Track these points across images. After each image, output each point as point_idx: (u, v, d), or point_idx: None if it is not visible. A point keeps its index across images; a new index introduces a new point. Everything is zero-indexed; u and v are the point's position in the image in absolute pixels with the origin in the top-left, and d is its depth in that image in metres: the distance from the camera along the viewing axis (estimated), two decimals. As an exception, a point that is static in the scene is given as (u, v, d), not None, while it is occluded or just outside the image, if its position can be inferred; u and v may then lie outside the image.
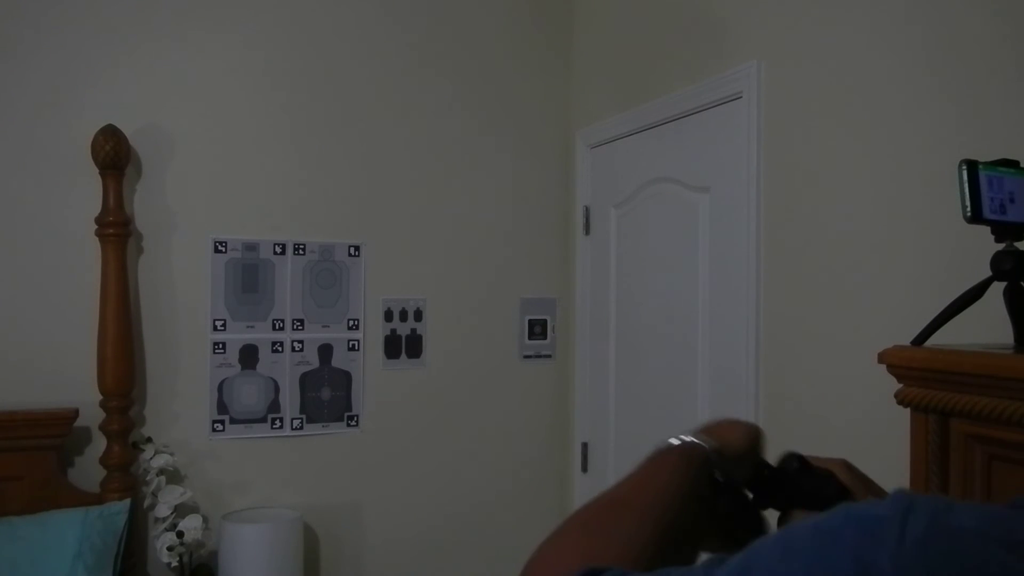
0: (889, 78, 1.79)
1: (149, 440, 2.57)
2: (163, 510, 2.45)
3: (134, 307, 2.60)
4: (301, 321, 2.84)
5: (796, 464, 0.75)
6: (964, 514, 0.46)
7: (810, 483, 0.73)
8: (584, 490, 3.13)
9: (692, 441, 0.72)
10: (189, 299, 2.70)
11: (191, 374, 2.70)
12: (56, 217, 2.54)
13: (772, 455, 0.78)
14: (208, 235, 2.73)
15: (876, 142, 1.82)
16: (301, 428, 2.84)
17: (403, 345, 3.01)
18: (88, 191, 2.53)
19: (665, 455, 0.71)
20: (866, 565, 0.43)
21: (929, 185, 1.66)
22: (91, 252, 2.53)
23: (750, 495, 0.77)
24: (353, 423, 2.92)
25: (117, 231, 2.51)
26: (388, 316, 2.98)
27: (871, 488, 0.74)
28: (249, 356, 2.77)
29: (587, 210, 3.14)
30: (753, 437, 0.75)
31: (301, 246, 2.85)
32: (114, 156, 2.47)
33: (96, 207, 2.51)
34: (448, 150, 3.08)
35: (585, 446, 3.13)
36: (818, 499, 0.71)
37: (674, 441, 0.73)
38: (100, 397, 2.49)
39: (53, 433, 2.41)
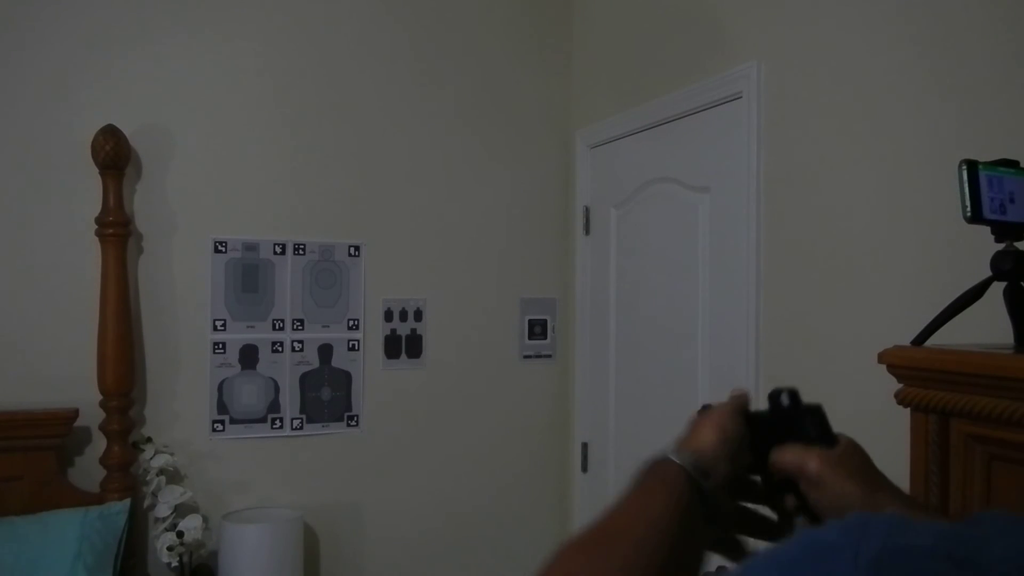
0: (889, 78, 1.79)
1: (149, 440, 2.57)
2: (163, 510, 2.45)
3: (134, 307, 2.60)
4: (301, 321, 2.84)
5: (787, 400, 0.77)
6: (917, 533, 0.48)
7: (794, 423, 0.75)
8: (584, 490, 3.13)
9: (667, 459, 0.71)
10: (189, 299, 2.70)
11: (191, 374, 2.70)
12: (56, 217, 2.54)
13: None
14: (208, 235, 2.73)
15: (876, 142, 1.82)
16: (301, 428, 2.84)
17: (403, 345, 3.01)
18: (88, 191, 2.53)
19: (644, 480, 0.70)
20: None
21: (929, 185, 1.67)
22: (91, 252, 2.53)
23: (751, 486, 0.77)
24: (353, 423, 2.92)
25: (117, 231, 2.51)
26: (388, 316, 2.98)
27: (868, 474, 0.74)
28: (249, 356, 2.77)
29: (587, 210, 3.14)
30: (723, 430, 0.74)
31: (301, 246, 2.85)
32: (114, 156, 2.47)
33: (96, 207, 2.51)
34: (448, 150, 3.08)
35: (585, 446, 3.13)
36: (802, 439, 0.74)
37: (650, 461, 0.72)
38: (100, 397, 2.49)
39: (53, 433, 2.41)
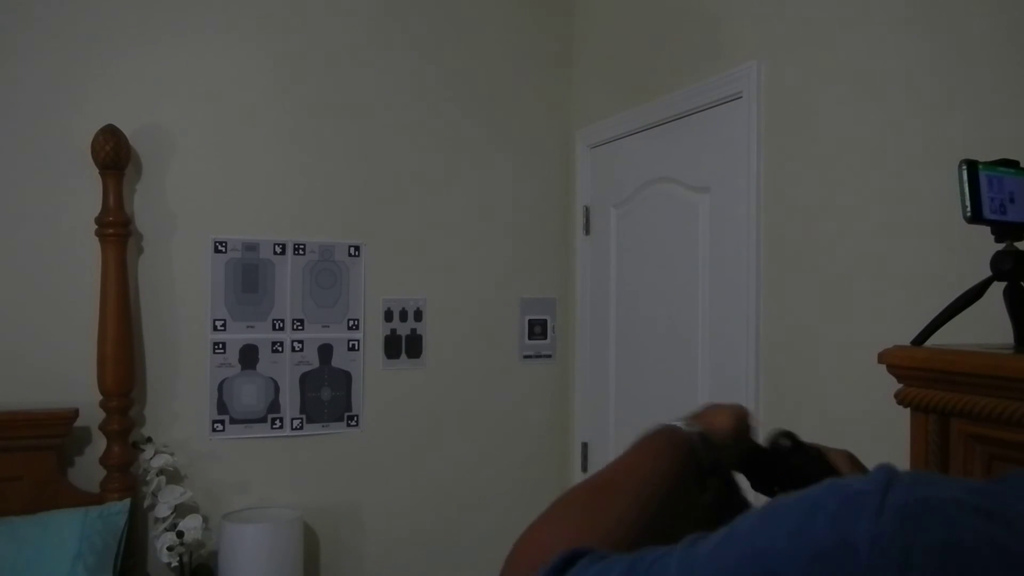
0: (889, 78, 1.79)
1: (149, 440, 2.57)
2: (163, 510, 2.45)
3: (134, 307, 2.60)
4: (301, 321, 2.84)
5: (788, 443, 0.78)
6: (944, 486, 0.47)
7: (797, 462, 0.76)
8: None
9: (676, 426, 0.74)
10: (189, 299, 2.70)
11: (191, 374, 2.70)
12: (56, 217, 2.54)
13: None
14: (208, 235, 2.73)
15: (876, 142, 1.82)
16: (301, 428, 2.84)
17: (403, 345, 3.01)
18: (88, 191, 2.53)
19: (651, 440, 0.73)
20: (845, 534, 0.44)
21: (929, 185, 1.67)
22: (91, 252, 2.53)
23: (739, 479, 0.79)
24: (353, 423, 2.92)
25: (117, 231, 2.51)
26: (388, 316, 2.98)
27: None
28: (249, 356, 2.77)
29: (587, 210, 3.14)
30: (739, 420, 0.77)
31: (301, 246, 2.85)
32: (114, 156, 2.47)
33: (96, 207, 2.51)
34: (448, 150, 3.08)
35: (585, 446, 3.13)
36: (806, 479, 0.71)
37: (660, 426, 0.75)
38: (100, 397, 2.49)
39: (53, 433, 2.41)
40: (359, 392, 2.93)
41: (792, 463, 0.77)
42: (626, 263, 2.89)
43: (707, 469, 0.72)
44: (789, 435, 0.79)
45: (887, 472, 0.48)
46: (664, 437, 0.73)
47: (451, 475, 3.07)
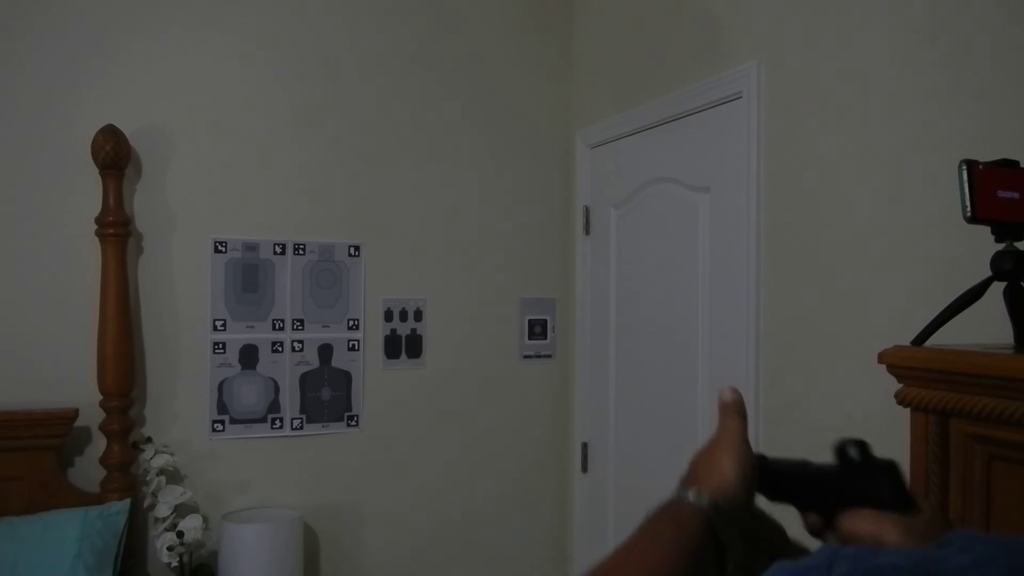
0: (889, 78, 1.79)
1: (149, 440, 2.57)
2: (163, 510, 2.45)
3: (134, 307, 2.60)
4: (301, 321, 2.84)
5: (856, 453, 0.66)
6: (887, 555, 0.51)
7: (867, 481, 0.65)
8: (584, 490, 3.13)
9: (682, 500, 0.65)
10: (189, 299, 2.70)
11: (191, 374, 2.70)
12: (56, 217, 2.54)
13: (773, 453, 0.76)
14: (208, 235, 2.73)
15: (876, 142, 1.82)
16: (301, 428, 2.84)
17: (403, 345, 3.01)
18: (88, 191, 2.53)
19: (655, 524, 0.64)
20: None
21: (929, 185, 1.67)
22: (91, 252, 2.53)
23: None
24: (353, 423, 2.92)
25: (117, 231, 2.51)
26: (388, 316, 2.98)
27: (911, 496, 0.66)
28: (249, 356, 2.77)
29: (587, 210, 3.14)
30: (744, 462, 0.68)
31: (301, 246, 2.85)
32: (114, 156, 2.47)
33: (96, 207, 2.51)
34: (448, 150, 3.08)
35: (585, 446, 3.13)
36: (876, 502, 0.63)
37: (664, 504, 0.66)
38: (100, 397, 2.49)
39: (53, 433, 2.41)
40: (359, 392, 2.93)
41: (856, 483, 0.65)
42: (626, 263, 2.89)
43: (726, 544, 0.63)
44: (860, 445, 0.66)
45: (831, 549, 0.51)
46: (669, 518, 0.64)
47: (451, 475, 3.07)
